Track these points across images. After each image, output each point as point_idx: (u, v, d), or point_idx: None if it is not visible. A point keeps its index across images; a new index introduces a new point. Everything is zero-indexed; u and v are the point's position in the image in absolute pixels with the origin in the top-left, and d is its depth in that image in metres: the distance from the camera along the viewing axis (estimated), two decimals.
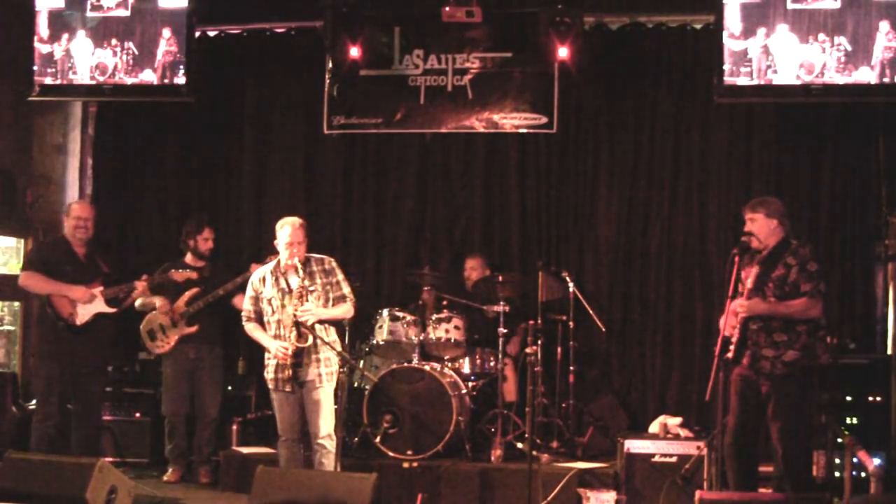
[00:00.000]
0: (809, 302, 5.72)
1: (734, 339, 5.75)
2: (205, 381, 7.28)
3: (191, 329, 7.19)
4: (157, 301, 7.20)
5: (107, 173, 8.98)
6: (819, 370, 5.92)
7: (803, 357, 5.72)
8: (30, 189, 8.79)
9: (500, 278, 7.30)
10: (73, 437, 6.81)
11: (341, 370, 6.14)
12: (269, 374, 6.14)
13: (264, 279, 6.15)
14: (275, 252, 6.25)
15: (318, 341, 5.99)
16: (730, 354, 5.71)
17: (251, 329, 6.20)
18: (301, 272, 6.00)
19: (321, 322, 6.05)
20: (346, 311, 6.19)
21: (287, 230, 6.05)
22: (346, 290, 6.19)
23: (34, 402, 7.59)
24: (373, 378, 7.02)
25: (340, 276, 6.19)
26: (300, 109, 8.63)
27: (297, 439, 6.18)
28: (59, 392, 6.66)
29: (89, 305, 6.69)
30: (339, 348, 6.17)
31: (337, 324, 6.34)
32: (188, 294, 7.18)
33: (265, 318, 6.14)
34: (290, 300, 6.00)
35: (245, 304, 6.24)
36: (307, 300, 6.01)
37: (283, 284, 6.08)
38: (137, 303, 7.15)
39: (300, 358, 6.00)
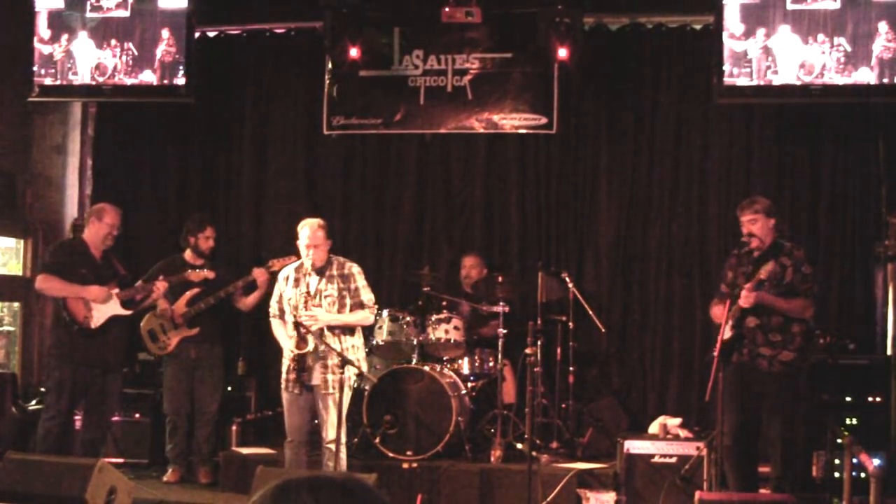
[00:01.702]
0: (806, 302, 5.79)
1: (723, 337, 5.75)
2: (205, 379, 7.26)
3: (192, 331, 7.17)
4: (158, 302, 7.18)
5: (107, 173, 8.97)
6: (813, 370, 5.97)
7: (798, 358, 5.76)
8: (29, 189, 8.79)
9: (500, 279, 7.31)
10: (81, 438, 6.80)
11: (340, 370, 6.13)
12: (283, 374, 6.17)
13: (288, 279, 6.19)
14: (296, 252, 6.28)
15: (325, 347, 5.97)
16: (715, 352, 5.71)
17: (274, 326, 6.27)
18: (317, 275, 6.02)
19: (331, 327, 6.04)
20: (362, 317, 6.16)
21: (306, 231, 6.08)
22: (366, 297, 6.17)
23: (35, 402, 7.60)
24: (373, 379, 7.01)
25: (361, 283, 6.17)
26: (300, 110, 8.63)
27: (304, 442, 6.18)
28: (69, 393, 6.64)
29: (104, 307, 6.66)
30: (356, 356, 6.12)
31: (352, 329, 6.27)
32: (188, 295, 7.16)
33: (286, 318, 6.18)
34: (305, 303, 6.02)
35: (272, 300, 6.31)
36: (320, 305, 6.01)
37: (302, 286, 6.10)
38: None
39: (303, 363, 6.00)
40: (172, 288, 7.11)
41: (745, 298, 5.71)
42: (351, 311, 6.12)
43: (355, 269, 6.22)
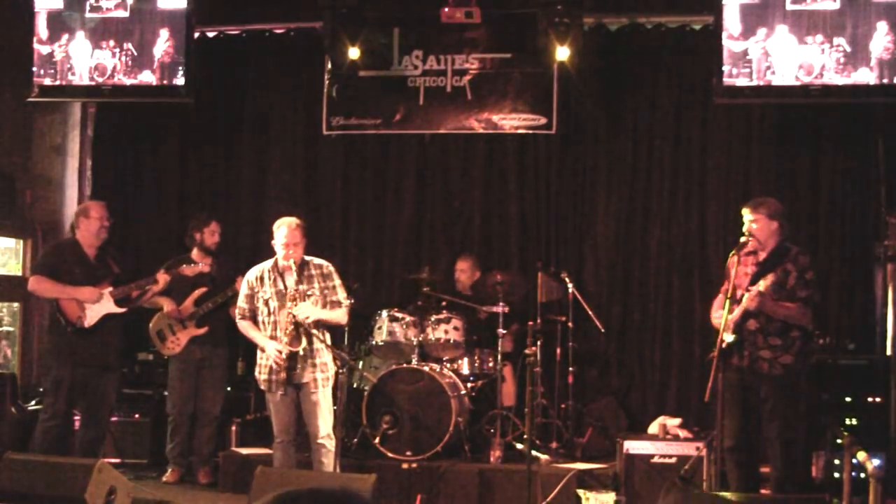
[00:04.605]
0: (803, 308, 5.78)
1: (722, 340, 5.74)
2: (208, 380, 7.26)
3: (201, 330, 7.17)
4: (164, 303, 7.18)
5: (106, 174, 8.99)
6: (813, 370, 5.97)
7: (798, 361, 5.77)
8: (29, 190, 8.80)
9: (499, 278, 7.32)
10: (79, 438, 6.79)
11: (341, 371, 6.14)
12: (262, 376, 6.08)
13: (261, 278, 6.08)
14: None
15: (314, 345, 5.96)
16: (714, 354, 5.70)
17: (246, 328, 6.14)
18: (296, 274, 5.98)
19: (319, 324, 6.04)
20: (340, 315, 6.15)
21: (283, 230, 6.01)
22: (342, 295, 6.14)
23: (34, 402, 7.60)
24: (372, 379, 7.02)
25: (337, 282, 6.15)
26: (300, 110, 8.64)
27: (292, 441, 6.15)
28: (66, 393, 6.63)
29: (98, 306, 6.62)
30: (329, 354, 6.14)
31: (331, 328, 6.28)
32: (196, 294, 7.16)
33: (260, 318, 6.07)
34: (287, 302, 5.98)
35: (240, 301, 6.17)
36: (304, 302, 5.99)
37: (280, 286, 6.03)
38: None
39: (294, 361, 5.97)
40: (176, 287, 7.11)
41: (752, 300, 5.71)
42: (330, 309, 6.10)
43: (331, 267, 6.18)
